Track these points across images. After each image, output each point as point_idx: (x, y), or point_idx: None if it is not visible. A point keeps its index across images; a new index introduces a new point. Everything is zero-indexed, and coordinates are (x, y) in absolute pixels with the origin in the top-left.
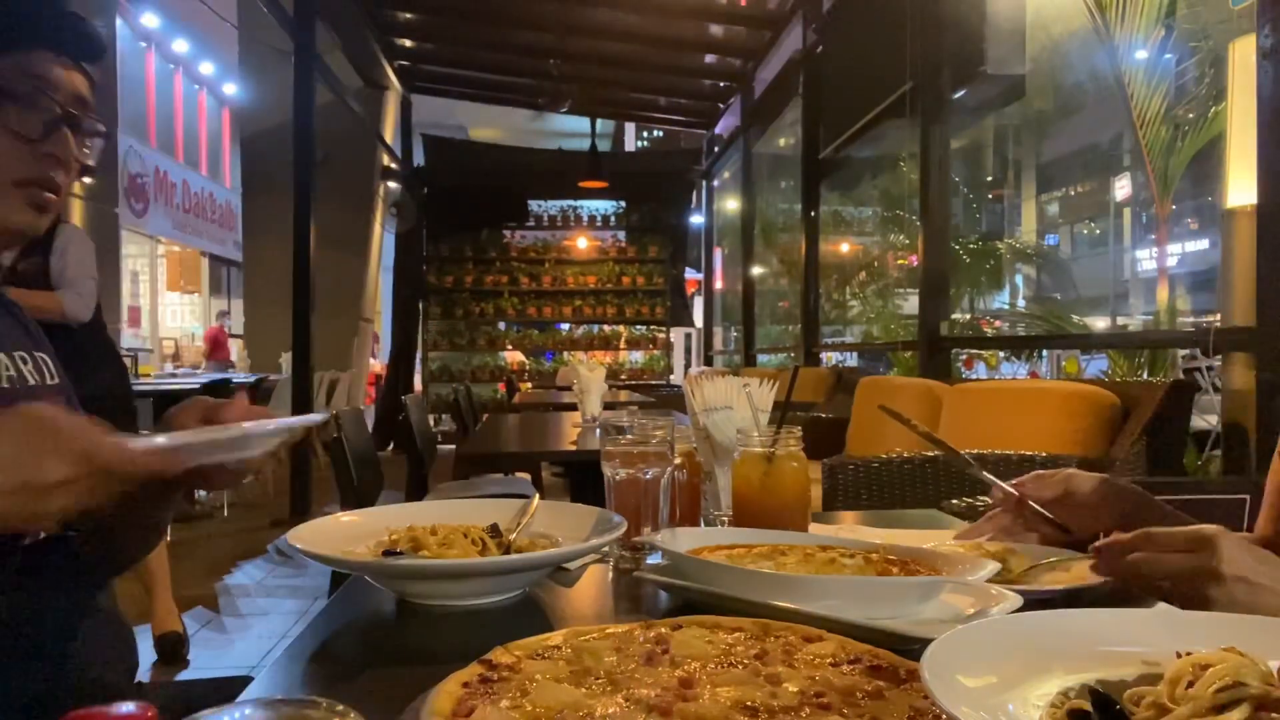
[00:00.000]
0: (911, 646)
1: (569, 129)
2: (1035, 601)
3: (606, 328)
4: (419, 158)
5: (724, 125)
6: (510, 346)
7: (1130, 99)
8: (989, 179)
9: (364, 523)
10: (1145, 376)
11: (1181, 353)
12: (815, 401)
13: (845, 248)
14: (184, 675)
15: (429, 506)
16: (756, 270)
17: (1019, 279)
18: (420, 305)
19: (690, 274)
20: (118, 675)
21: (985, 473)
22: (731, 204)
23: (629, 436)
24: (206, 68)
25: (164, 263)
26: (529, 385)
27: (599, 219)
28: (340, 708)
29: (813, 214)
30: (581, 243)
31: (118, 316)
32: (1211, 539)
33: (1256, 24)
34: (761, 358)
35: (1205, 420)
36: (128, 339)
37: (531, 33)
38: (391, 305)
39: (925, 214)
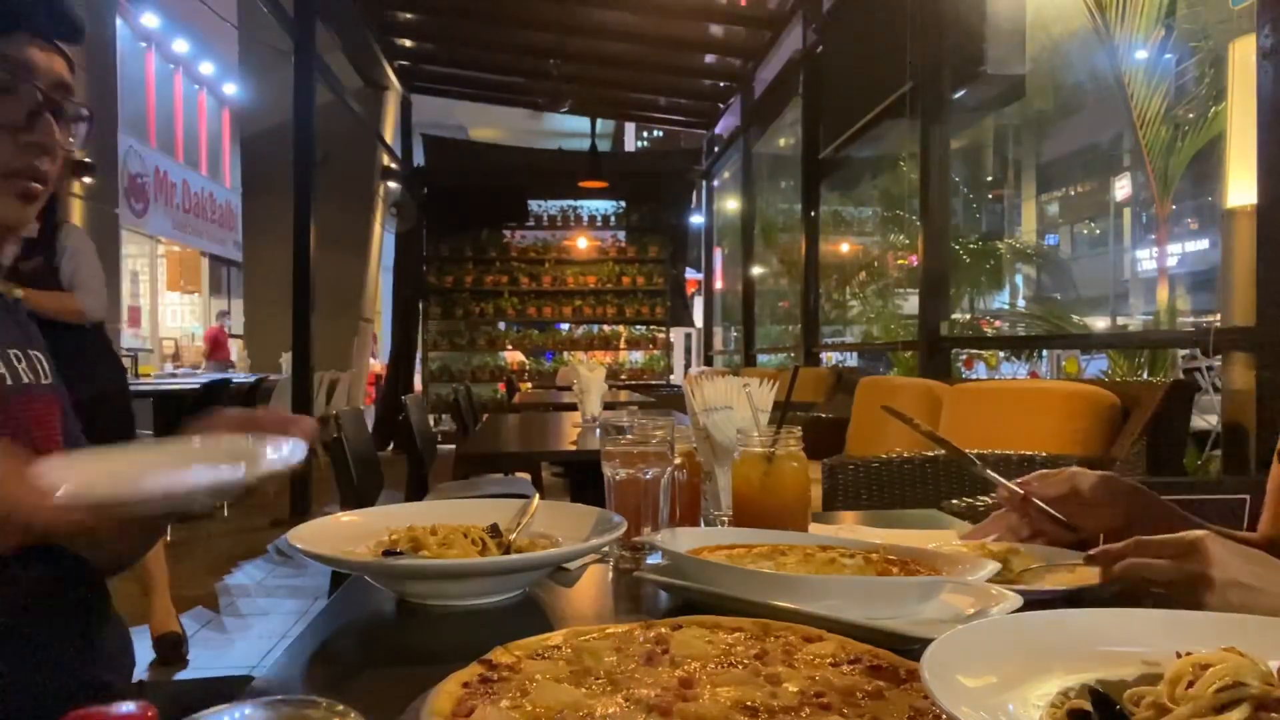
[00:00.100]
0: (911, 646)
1: (569, 129)
2: (1035, 601)
3: (606, 328)
4: (419, 158)
5: (724, 125)
6: (510, 346)
7: (1130, 99)
8: (989, 179)
9: (364, 523)
10: (1145, 376)
11: (1181, 353)
12: (815, 401)
13: (845, 248)
14: (184, 675)
15: (429, 506)
16: (756, 270)
17: (1019, 279)
18: (420, 305)
19: (690, 274)
20: (115, 675)
21: (990, 472)
22: (731, 204)
23: (629, 436)
24: (206, 68)
25: (164, 263)
26: (529, 385)
27: (599, 219)
28: (340, 708)
29: (813, 214)
30: (581, 243)
31: (117, 316)
32: (1199, 544)
33: (1256, 24)
34: (761, 358)
35: (1205, 420)
36: (128, 339)
37: (531, 33)
38: (391, 305)
39: (925, 214)
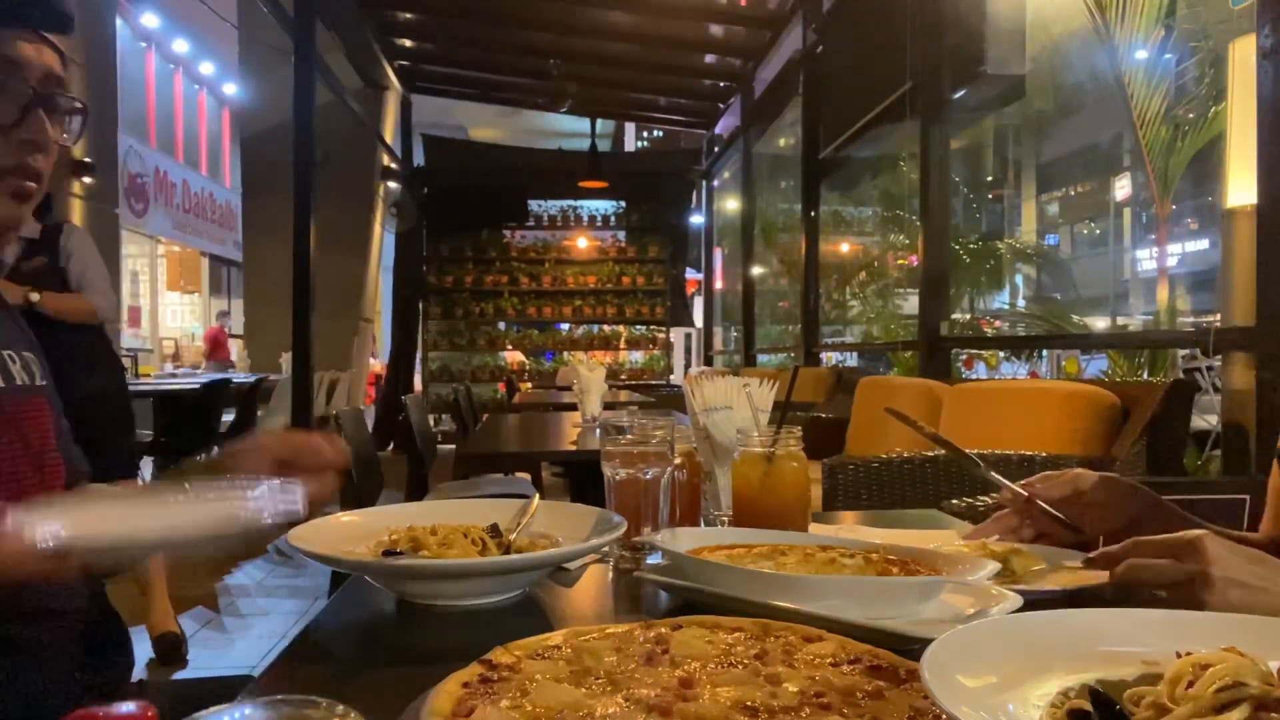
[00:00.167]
0: (911, 646)
1: (569, 129)
2: (1035, 601)
3: (606, 328)
4: (419, 158)
5: (724, 125)
6: (510, 346)
7: (1130, 99)
8: (989, 179)
9: (364, 523)
10: (1145, 376)
11: (1181, 353)
12: (815, 401)
13: (845, 248)
14: (184, 675)
15: (429, 506)
16: (756, 270)
17: (1019, 279)
18: (420, 305)
19: (690, 274)
20: (115, 675)
21: (994, 474)
22: (731, 204)
23: (629, 436)
24: (206, 68)
25: (164, 263)
26: (529, 385)
27: (599, 219)
28: (340, 708)
29: (813, 214)
30: (581, 243)
31: (118, 316)
32: (1198, 543)
33: (1256, 24)
34: (761, 358)
35: (1205, 420)
36: (128, 339)
37: (531, 33)
38: (391, 305)
39: (925, 214)
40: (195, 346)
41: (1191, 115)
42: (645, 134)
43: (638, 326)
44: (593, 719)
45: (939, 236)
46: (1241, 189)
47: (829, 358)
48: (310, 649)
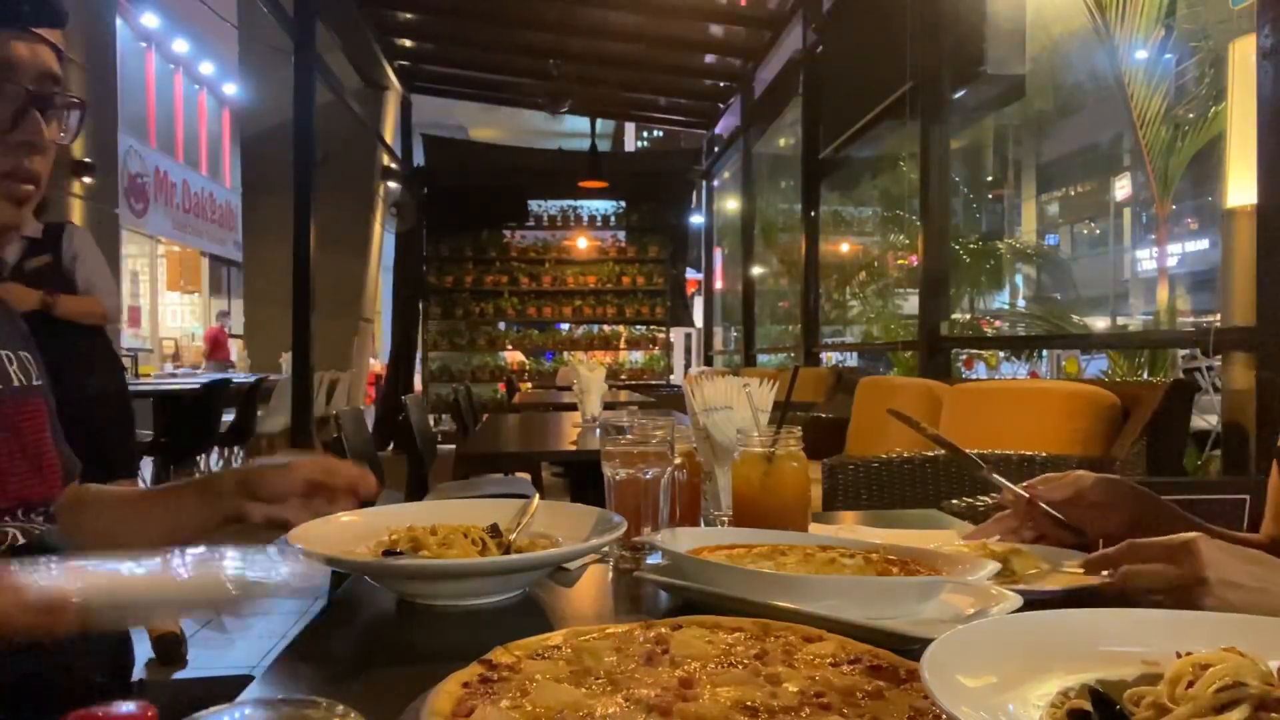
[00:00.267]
0: (911, 646)
1: (569, 129)
2: (1035, 601)
3: (606, 328)
4: (419, 158)
5: (724, 125)
6: (510, 346)
7: (1130, 99)
8: (989, 179)
9: (364, 523)
10: (1145, 376)
11: (1181, 353)
12: (815, 401)
13: (845, 248)
14: (184, 675)
15: (429, 506)
16: (756, 270)
17: (1019, 279)
18: (420, 305)
19: (690, 274)
20: (114, 675)
21: (995, 476)
22: (731, 204)
23: (629, 436)
24: (206, 68)
25: (164, 263)
26: (529, 385)
27: (599, 219)
28: (340, 708)
29: (813, 214)
30: (581, 243)
31: (118, 317)
32: (1190, 546)
33: (1256, 24)
34: (761, 358)
35: (1205, 420)
36: (128, 339)
37: (531, 33)
38: (391, 305)
39: (925, 214)
40: (195, 346)
41: (1191, 115)
42: (645, 134)
43: (638, 326)
44: (593, 719)
45: (939, 236)
46: (1241, 189)
47: (829, 358)
48: (310, 649)
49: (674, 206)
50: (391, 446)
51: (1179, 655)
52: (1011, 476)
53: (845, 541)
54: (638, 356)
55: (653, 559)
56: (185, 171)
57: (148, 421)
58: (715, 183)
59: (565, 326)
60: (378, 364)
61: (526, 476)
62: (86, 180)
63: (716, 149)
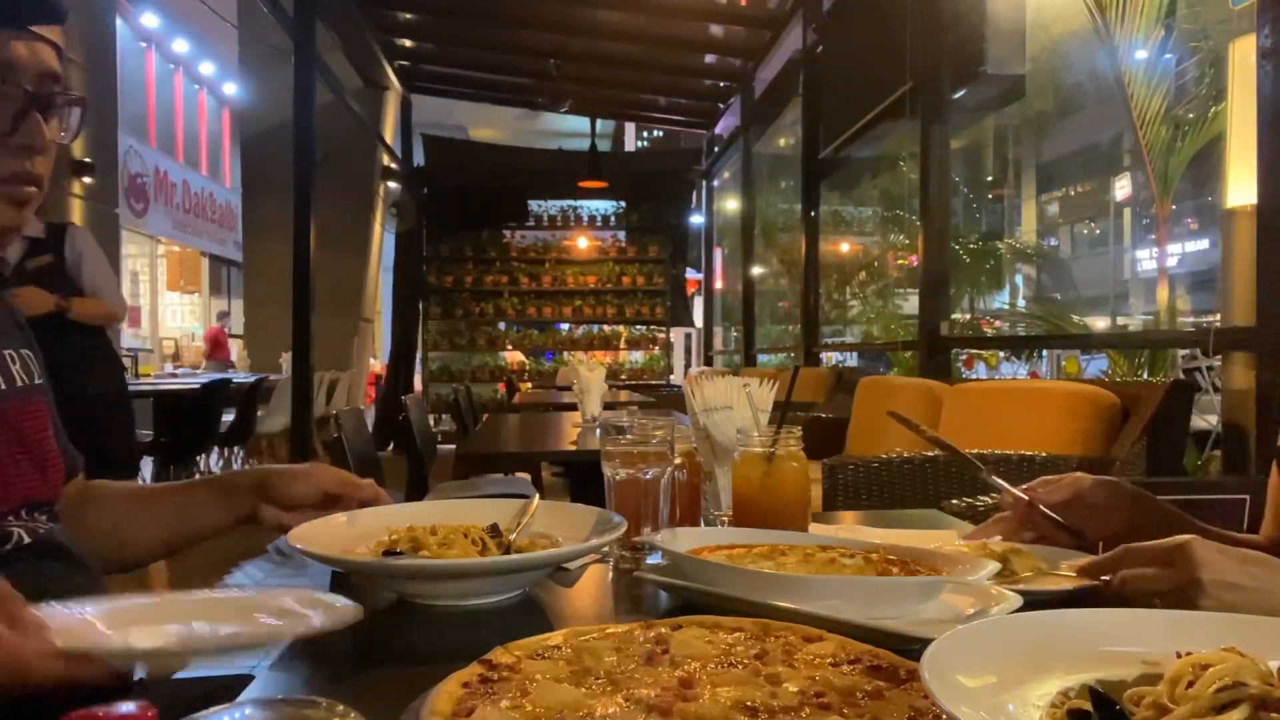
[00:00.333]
0: (911, 646)
1: (569, 129)
2: (1035, 601)
3: (606, 328)
4: (419, 158)
5: (724, 125)
6: (510, 346)
7: (1130, 99)
8: (989, 179)
9: (364, 523)
10: (1145, 376)
11: (1181, 353)
12: (815, 401)
13: (845, 248)
14: (184, 675)
15: (429, 506)
16: (756, 270)
17: (1019, 279)
18: (420, 305)
19: (690, 274)
20: (115, 675)
21: (995, 478)
22: (731, 204)
23: (629, 436)
24: (206, 68)
25: (164, 263)
26: (529, 385)
27: (599, 219)
28: (340, 708)
29: (813, 214)
30: (581, 243)
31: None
32: (1184, 548)
33: (1256, 24)
34: (761, 358)
35: (1205, 420)
36: (128, 339)
37: (531, 33)
38: (391, 305)
39: (925, 214)
40: (195, 346)
41: (1191, 115)
42: (645, 134)
43: (638, 326)
44: (593, 719)
45: (939, 236)
46: (1241, 189)
47: (829, 358)
48: (310, 649)
49: (674, 206)
50: (391, 446)
51: (1179, 655)
52: (1011, 476)
53: (845, 541)
54: (638, 356)
55: (653, 559)
56: (185, 171)
57: (148, 421)
58: (715, 183)
59: (565, 326)
60: (378, 364)
61: (526, 476)
62: (86, 180)
63: (716, 149)
